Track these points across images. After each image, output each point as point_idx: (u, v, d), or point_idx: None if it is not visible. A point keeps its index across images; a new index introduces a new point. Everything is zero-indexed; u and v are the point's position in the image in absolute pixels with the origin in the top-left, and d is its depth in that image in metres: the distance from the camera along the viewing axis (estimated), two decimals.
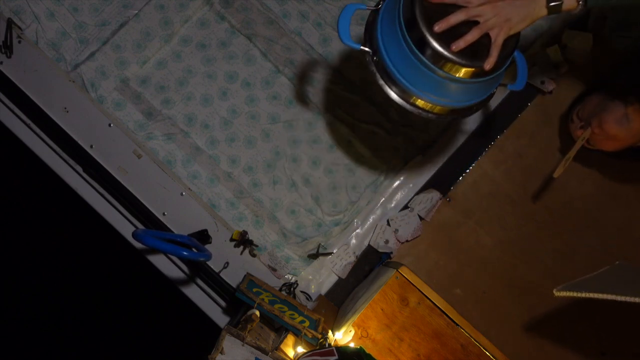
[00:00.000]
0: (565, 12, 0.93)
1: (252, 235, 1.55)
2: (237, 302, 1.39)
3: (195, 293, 1.55)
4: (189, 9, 1.63)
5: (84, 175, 1.55)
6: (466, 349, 1.26)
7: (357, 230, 1.60)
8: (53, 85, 1.54)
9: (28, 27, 1.58)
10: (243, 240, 1.51)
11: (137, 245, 1.46)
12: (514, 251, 1.60)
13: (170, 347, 2.53)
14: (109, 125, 1.55)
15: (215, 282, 1.51)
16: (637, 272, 1.33)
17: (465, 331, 1.27)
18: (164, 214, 1.55)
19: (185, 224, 1.53)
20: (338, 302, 1.56)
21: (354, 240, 1.60)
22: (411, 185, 1.60)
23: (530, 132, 1.61)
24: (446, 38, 0.89)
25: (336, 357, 1.16)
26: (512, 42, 0.95)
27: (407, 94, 0.99)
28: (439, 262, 1.59)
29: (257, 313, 1.28)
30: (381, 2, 1.02)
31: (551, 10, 0.93)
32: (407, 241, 1.58)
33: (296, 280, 1.55)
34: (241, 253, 1.54)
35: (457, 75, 0.93)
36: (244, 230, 1.53)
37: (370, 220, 1.60)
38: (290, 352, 1.27)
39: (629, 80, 1.36)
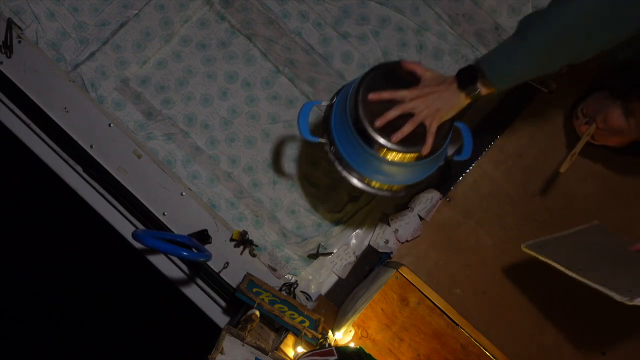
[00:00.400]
0: (485, 95, 1.05)
1: (252, 235, 1.55)
2: (237, 302, 1.39)
3: (195, 293, 1.55)
4: (189, 9, 1.63)
5: (84, 175, 1.55)
6: (466, 349, 1.26)
7: (357, 230, 1.60)
8: (53, 85, 1.54)
9: (28, 27, 1.58)
10: (243, 240, 1.51)
11: (137, 245, 1.46)
12: (514, 251, 1.60)
13: (170, 347, 2.53)
14: (109, 125, 1.55)
15: (215, 282, 1.51)
16: (611, 240, 1.33)
17: (465, 331, 1.27)
18: (164, 214, 1.54)
19: (185, 224, 1.53)
20: (338, 302, 1.56)
21: (354, 240, 1.60)
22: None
23: (530, 132, 1.61)
24: (387, 130, 1.03)
25: (336, 357, 1.16)
26: (447, 126, 1.09)
27: (363, 178, 1.12)
28: (439, 262, 1.59)
29: (257, 313, 1.28)
30: (335, 97, 1.16)
31: (473, 98, 1.06)
32: (407, 241, 1.58)
33: (296, 280, 1.55)
34: (241, 253, 1.54)
35: (401, 161, 1.07)
36: (243, 230, 1.53)
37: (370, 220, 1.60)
38: (290, 352, 1.27)
39: (629, 81, 1.37)
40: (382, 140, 1.03)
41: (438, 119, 1.05)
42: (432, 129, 1.05)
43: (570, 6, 0.93)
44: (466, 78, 1.05)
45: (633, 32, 0.93)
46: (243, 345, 1.14)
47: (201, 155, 1.59)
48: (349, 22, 1.65)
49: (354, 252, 1.58)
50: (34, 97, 1.54)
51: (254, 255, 1.54)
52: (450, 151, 1.18)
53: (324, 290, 1.56)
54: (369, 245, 1.58)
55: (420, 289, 1.30)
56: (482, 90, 1.05)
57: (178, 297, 1.57)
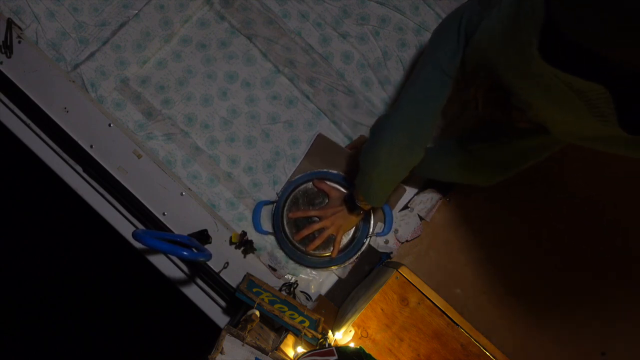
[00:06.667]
0: (368, 209, 1.39)
1: (252, 235, 1.55)
2: (237, 302, 1.39)
3: (195, 293, 1.55)
4: (189, 9, 1.63)
5: (84, 175, 1.55)
6: (466, 348, 1.26)
7: None
8: (53, 85, 1.54)
9: (28, 27, 1.58)
10: (243, 242, 1.51)
11: (137, 245, 1.46)
12: (515, 251, 1.60)
13: (170, 347, 2.52)
14: (109, 125, 1.55)
15: (215, 282, 1.51)
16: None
17: (465, 331, 1.27)
18: (164, 214, 1.54)
19: (185, 224, 1.53)
20: (338, 302, 1.55)
21: None
22: (411, 185, 1.60)
23: None
24: (306, 240, 1.47)
25: (336, 357, 1.16)
26: (352, 233, 1.51)
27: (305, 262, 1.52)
28: (439, 262, 1.59)
29: (257, 313, 1.28)
30: (277, 197, 1.53)
31: (360, 214, 1.41)
32: (407, 241, 1.57)
33: (296, 280, 1.55)
34: (242, 253, 1.54)
35: (323, 256, 1.49)
36: (243, 231, 1.53)
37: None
38: (290, 352, 1.27)
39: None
40: (302, 248, 1.48)
41: (342, 232, 1.44)
42: (337, 239, 1.44)
43: (377, 143, 1.11)
44: (350, 205, 1.40)
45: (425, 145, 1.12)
46: (243, 345, 1.14)
47: (201, 155, 1.59)
48: (349, 22, 1.65)
49: None
50: (34, 97, 1.54)
51: (252, 253, 1.54)
52: (378, 228, 1.53)
53: (324, 290, 1.56)
54: (369, 245, 1.58)
55: (420, 289, 1.29)
56: (365, 207, 1.35)
57: (178, 297, 1.56)
